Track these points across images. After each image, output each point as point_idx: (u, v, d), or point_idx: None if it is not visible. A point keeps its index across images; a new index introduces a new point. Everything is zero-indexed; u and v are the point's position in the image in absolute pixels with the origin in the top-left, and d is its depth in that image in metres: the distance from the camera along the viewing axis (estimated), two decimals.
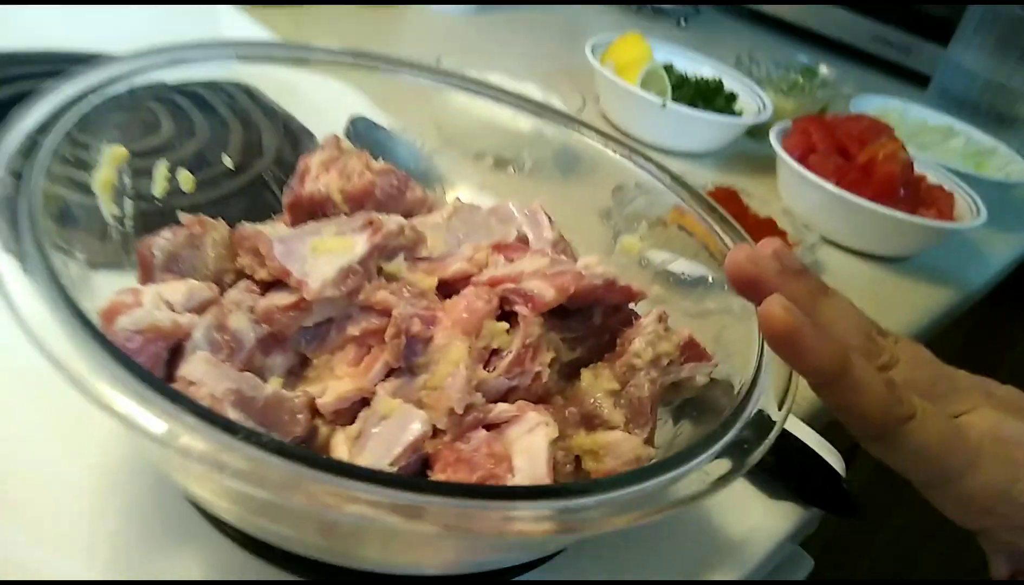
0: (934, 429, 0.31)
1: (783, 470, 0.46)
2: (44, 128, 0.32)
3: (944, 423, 0.31)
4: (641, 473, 0.26)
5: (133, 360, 0.23)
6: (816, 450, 0.47)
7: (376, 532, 0.26)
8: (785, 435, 0.47)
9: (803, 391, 0.57)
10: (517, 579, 0.36)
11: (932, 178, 0.83)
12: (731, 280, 0.32)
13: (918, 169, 0.82)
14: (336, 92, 0.52)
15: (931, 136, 1.00)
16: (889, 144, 0.78)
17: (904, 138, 0.82)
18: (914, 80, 1.34)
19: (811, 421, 0.53)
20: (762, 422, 0.33)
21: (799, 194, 0.79)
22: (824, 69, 1.09)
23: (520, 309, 0.35)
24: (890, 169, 0.75)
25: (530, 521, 0.23)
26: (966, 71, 1.11)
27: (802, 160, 0.79)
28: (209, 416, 0.22)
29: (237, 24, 0.84)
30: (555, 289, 0.35)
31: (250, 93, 0.55)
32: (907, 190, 0.77)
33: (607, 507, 0.24)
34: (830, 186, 0.75)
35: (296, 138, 0.56)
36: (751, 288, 0.32)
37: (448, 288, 0.37)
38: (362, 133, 0.55)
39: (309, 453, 0.24)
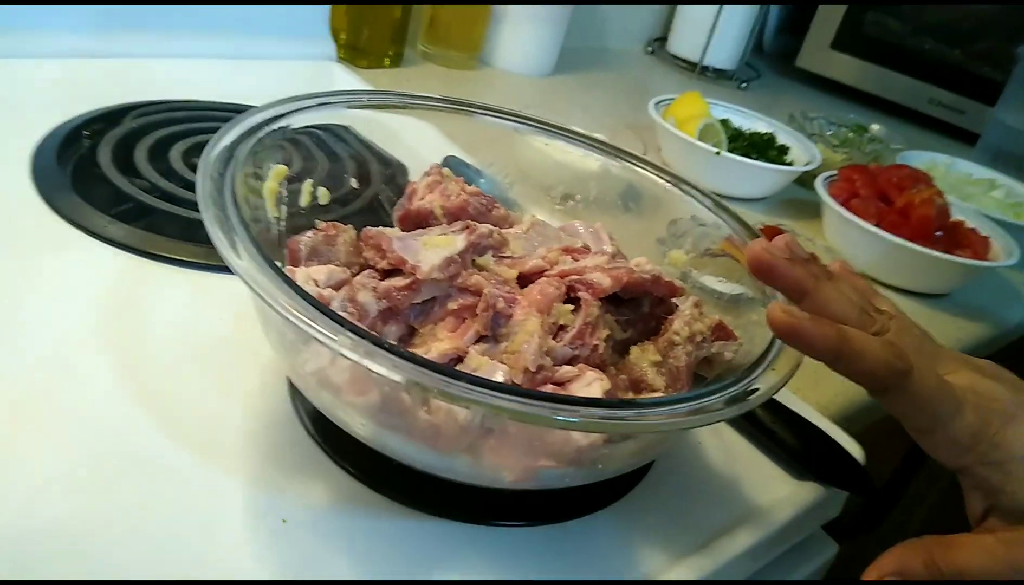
0: (929, 381, 0.37)
1: (807, 454, 0.53)
2: (232, 148, 0.43)
3: (935, 377, 0.37)
4: (668, 399, 0.35)
5: (310, 294, 0.33)
6: (838, 441, 0.55)
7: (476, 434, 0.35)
8: (810, 426, 0.55)
9: (829, 393, 0.64)
10: (581, 519, 0.45)
11: (969, 223, 0.90)
12: (750, 267, 0.40)
13: (956, 215, 0.89)
14: (428, 134, 0.63)
15: (974, 188, 1.07)
16: (926, 191, 0.85)
17: (947, 189, 0.89)
18: (965, 138, 1.40)
19: (832, 415, 0.60)
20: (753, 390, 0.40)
21: (841, 234, 0.86)
22: (875, 126, 1.17)
23: (583, 295, 0.44)
24: (926, 212, 0.83)
25: (599, 419, 0.32)
26: (1011, 129, 1.18)
27: (845, 204, 0.87)
28: (367, 334, 0.32)
29: (345, 79, 0.97)
30: (611, 279, 0.44)
31: (354, 134, 0.67)
32: (944, 232, 0.84)
33: (642, 418, 0.33)
34: (870, 226, 0.82)
35: (394, 172, 0.67)
36: (767, 273, 0.40)
37: (525, 280, 0.47)
38: (453, 168, 0.66)
39: (441, 365, 0.33)
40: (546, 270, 0.47)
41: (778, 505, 0.51)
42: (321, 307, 0.33)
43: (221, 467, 0.43)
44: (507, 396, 0.32)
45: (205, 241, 0.58)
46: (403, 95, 0.58)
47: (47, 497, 0.38)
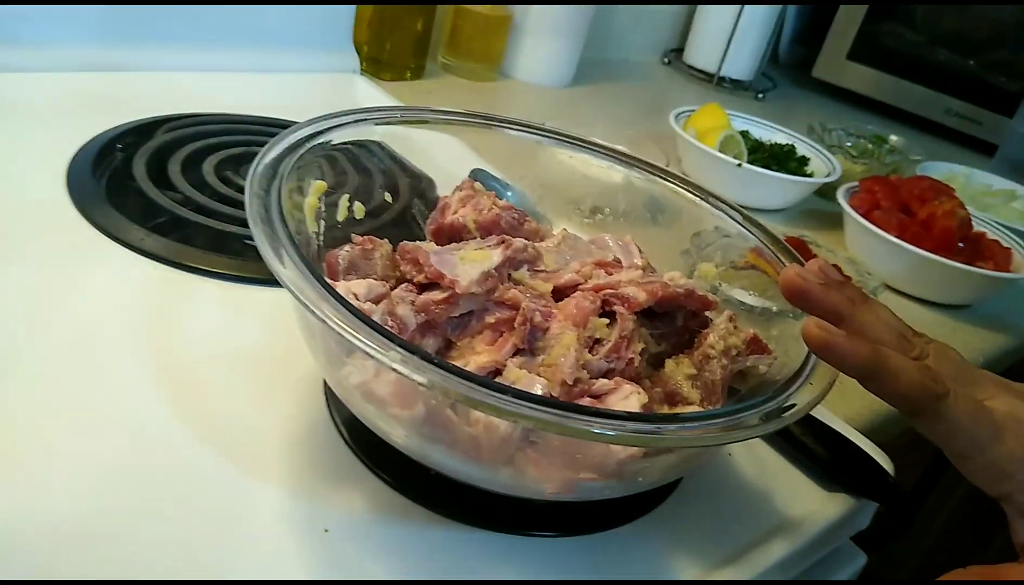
0: (964, 406, 0.37)
1: (837, 466, 0.54)
2: (275, 164, 0.44)
3: (973, 401, 0.37)
4: (706, 414, 0.36)
5: (360, 310, 0.34)
6: (868, 452, 0.55)
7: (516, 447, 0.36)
8: (840, 437, 0.55)
9: (856, 405, 0.65)
10: (614, 530, 0.45)
11: (991, 235, 0.90)
12: (784, 292, 0.40)
13: (978, 227, 0.89)
14: (455, 148, 0.64)
15: (994, 199, 1.07)
16: (948, 202, 0.86)
17: (967, 200, 0.90)
18: (983, 149, 1.40)
19: (859, 426, 0.60)
20: (789, 407, 0.41)
21: (864, 245, 0.87)
22: (894, 137, 1.17)
23: (618, 308, 0.45)
24: (948, 224, 0.83)
25: (638, 434, 0.33)
26: None
27: (867, 215, 0.87)
28: (417, 350, 0.33)
29: (370, 92, 0.98)
30: (646, 293, 0.45)
31: (384, 149, 0.68)
32: (965, 244, 0.85)
33: (681, 432, 0.34)
34: (893, 238, 0.83)
35: (423, 186, 0.68)
36: (802, 298, 0.40)
37: (559, 294, 0.48)
38: (481, 182, 0.67)
39: (487, 379, 0.34)
40: (580, 284, 0.47)
41: (809, 517, 0.51)
42: (371, 322, 0.34)
43: (261, 476, 0.43)
44: (550, 410, 0.32)
45: (237, 253, 0.60)
46: (430, 110, 0.59)
47: (87, 503, 0.39)
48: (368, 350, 0.32)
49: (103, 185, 0.65)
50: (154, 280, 0.56)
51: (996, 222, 0.93)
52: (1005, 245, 0.88)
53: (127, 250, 0.58)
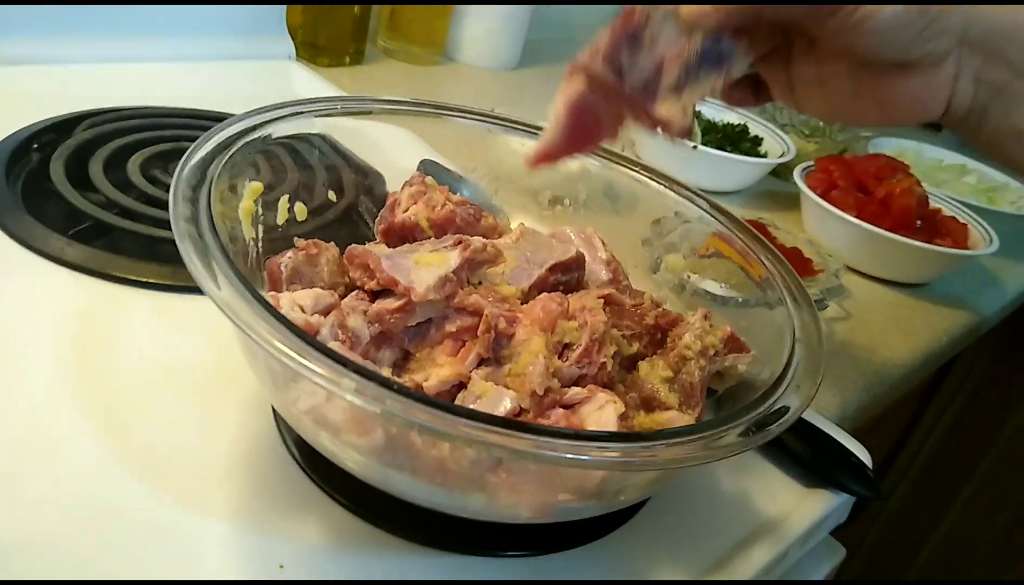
0: None
1: (816, 462, 0.52)
2: (204, 166, 0.40)
3: None
4: (689, 429, 0.33)
5: (306, 332, 0.30)
6: (847, 446, 0.53)
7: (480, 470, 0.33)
8: (818, 433, 0.53)
9: (833, 400, 0.63)
10: (590, 545, 0.42)
11: (947, 211, 0.89)
12: None
13: (933, 203, 0.88)
14: (403, 140, 0.60)
15: (946, 174, 1.07)
16: (905, 180, 0.85)
17: (920, 175, 0.89)
18: (930, 122, 1.41)
19: (846, 424, 0.59)
20: (782, 410, 0.38)
21: (822, 226, 0.85)
22: None
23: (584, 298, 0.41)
24: (906, 202, 0.82)
25: (607, 454, 0.30)
26: None
27: (824, 195, 0.86)
28: (375, 376, 0.29)
29: (306, 79, 0.93)
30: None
31: (327, 142, 0.63)
32: (923, 221, 0.84)
33: (661, 449, 0.31)
34: (852, 218, 0.81)
35: (371, 182, 0.63)
36: None
37: (524, 295, 0.44)
38: (431, 173, 0.63)
39: (455, 406, 0.30)
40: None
41: (790, 516, 0.49)
42: (319, 345, 0.30)
43: (207, 510, 0.39)
44: (526, 435, 0.29)
45: (169, 260, 0.55)
46: (374, 100, 0.55)
47: (12, 558, 0.35)
48: (318, 381, 0.28)
49: (18, 190, 0.59)
50: (78, 293, 0.51)
51: (951, 198, 0.92)
52: (962, 221, 0.87)
53: (47, 261, 0.53)
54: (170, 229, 0.55)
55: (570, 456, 0.28)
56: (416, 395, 0.29)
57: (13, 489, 0.38)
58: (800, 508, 0.50)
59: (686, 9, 0.40)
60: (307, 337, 0.30)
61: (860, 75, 0.43)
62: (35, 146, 0.64)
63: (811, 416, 0.55)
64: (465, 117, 0.59)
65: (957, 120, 0.44)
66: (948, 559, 1.39)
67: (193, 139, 0.41)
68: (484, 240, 0.44)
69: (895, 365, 0.72)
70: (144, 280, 0.53)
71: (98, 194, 0.59)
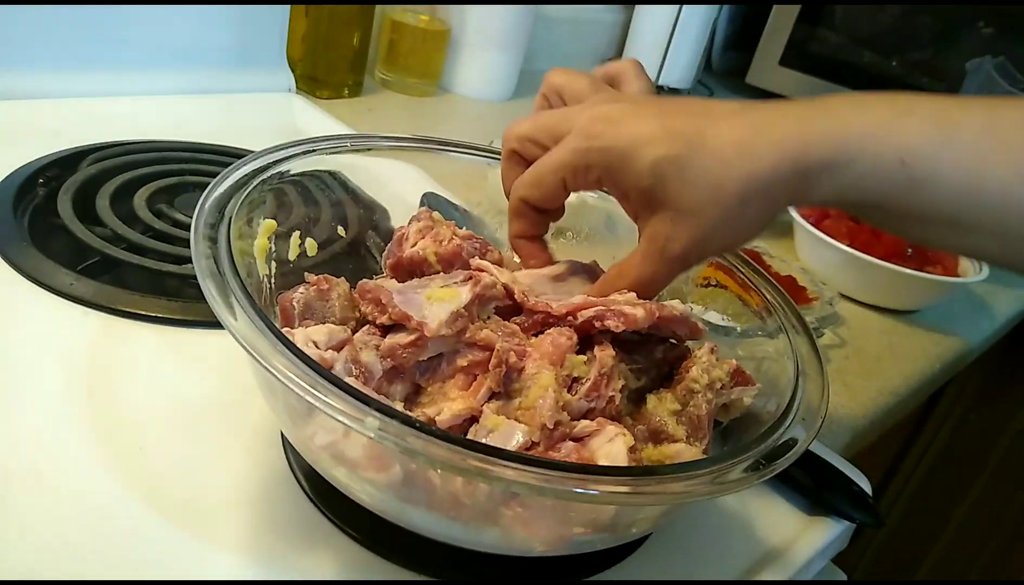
0: None
1: (818, 490, 0.53)
2: (223, 203, 0.41)
3: None
4: (698, 463, 0.34)
5: (327, 369, 0.31)
6: (847, 474, 0.54)
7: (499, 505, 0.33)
8: (819, 461, 0.54)
9: (832, 427, 0.64)
10: (595, 578, 0.43)
11: None
12: None
13: None
14: (406, 174, 0.61)
15: None
16: None
17: None
18: None
19: (840, 452, 0.60)
20: (793, 440, 0.39)
21: (816, 254, 0.87)
22: None
23: (611, 323, 0.41)
24: None
25: (618, 490, 0.30)
26: None
27: (817, 224, 0.87)
28: (397, 413, 0.30)
29: (306, 111, 0.94)
30: (644, 312, 0.42)
31: (334, 178, 0.64)
32: (914, 250, 0.85)
33: (670, 483, 0.32)
34: (844, 247, 0.83)
35: (376, 217, 0.64)
36: None
37: (533, 326, 0.45)
38: (434, 207, 0.64)
39: (470, 440, 0.31)
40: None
41: (793, 544, 0.50)
42: (341, 383, 0.31)
43: (217, 543, 0.40)
44: (548, 472, 0.30)
45: (177, 294, 0.56)
46: (379, 137, 0.56)
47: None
48: (341, 418, 0.29)
49: (25, 225, 0.60)
50: (86, 328, 0.52)
51: None
52: None
53: (54, 296, 0.53)
54: (176, 262, 0.57)
55: (592, 491, 0.29)
56: (439, 433, 0.30)
57: (22, 521, 0.38)
58: (803, 536, 0.51)
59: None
60: (329, 375, 0.31)
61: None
62: (41, 181, 0.65)
63: (812, 445, 0.56)
64: (467, 152, 0.60)
65: None
66: (943, 581, 1.40)
67: (198, 173, 0.43)
68: (495, 277, 0.45)
69: (890, 392, 0.73)
70: (152, 314, 0.53)
71: (105, 228, 0.60)
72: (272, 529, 0.42)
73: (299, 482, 0.44)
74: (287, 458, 0.45)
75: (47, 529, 0.38)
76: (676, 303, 0.44)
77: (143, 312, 0.53)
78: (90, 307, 0.53)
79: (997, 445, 1.31)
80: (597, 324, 0.42)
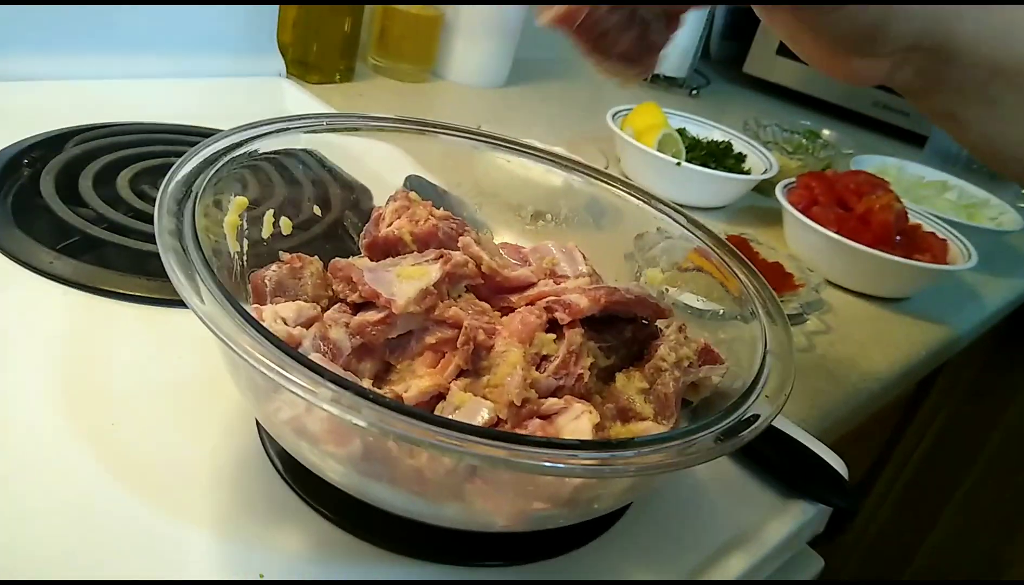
0: None
1: (792, 472, 0.53)
2: (189, 181, 0.41)
3: None
4: (661, 437, 0.34)
5: (285, 342, 0.31)
6: (823, 457, 0.54)
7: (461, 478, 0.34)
8: (795, 444, 0.54)
9: (812, 413, 0.64)
10: (569, 554, 0.43)
11: (926, 227, 0.91)
12: None
13: (913, 219, 0.90)
14: (390, 155, 0.61)
15: (926, 190, 1.09)
16: (884, 196, 0.86)
17: (901, 192, 0.90)
18: (912, 140, 1.43)
19: (823, 436, 0.60)
20: (753, 418, 0.39)
21: (803, 241, 0.87)
22: (826, 132, 1.18)
23: (559, 315, 0.43)
24: (885, 218, 0.83)
25: (584, 463, 0.30)
26: None
27: (805, 211, 0.87)
28: (351, 385, 0.30)
29: (297, 96, 0.94)
30: (588, 300, 0.43)
31: (314, 157, 0.64)
32: (902, 237, 0.85)
33: (637, 457, 0.32)
34: (832, 233, 0.82)
35: (357, 196, 0.64)
36: None
37: (504, 310, 0.45)
38: (416, 188, 0.64)
39: (429, 414, 0.31)
40: (532, 283, 0.45)
41: (767, 526, 0.50)
42: (296, 354, 0.31)
43: (191, 519, 0.40)
44: (499, 444, 0.30)
45: (158, 274, 0.56)
46: (360, 117, 0.56)
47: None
48: (295, 390, 0.29)
49: (8, 205, 0.60)
50: (66, 307, 0.52)
51: (931, 214, 0.94)
52: (941, 236, 0.89)
53: (35, 275, 0.53)
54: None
55: (546, 464, 0.29)
56: (392, 404, 0.30)
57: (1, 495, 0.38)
58: (777, 518, 0.51)
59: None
60: (286, 348, 0.31)
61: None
62: (25, 162, 0.65)
63: (788, 427, 0.56)
64: (450, 134, 0.60)
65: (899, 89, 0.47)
66: (934, 575, 1.40)
67: (182, 154, 0.42)
68: (465, 256, 0.45)
69: (874, 378, 0.73)
70: (132, 293, 0.54)
71: (88, 209, 0.60)
72: (245, 506, 0.42)
73: (272, 461, 0.44)
74: (260, 438, 0.46)
75: (23, 502, 0.38)
76: (633, 285, 0.44)
77: (122, 291, 0.54)
78: (70, 285, 0.53)
79: (990, 438, 1.31)
80: (547, 314, 0.42)
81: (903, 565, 1.43)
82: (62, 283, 0.53)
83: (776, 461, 0.52)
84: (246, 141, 0.47)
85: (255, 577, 0.38)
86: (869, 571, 1.40)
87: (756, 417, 0.37)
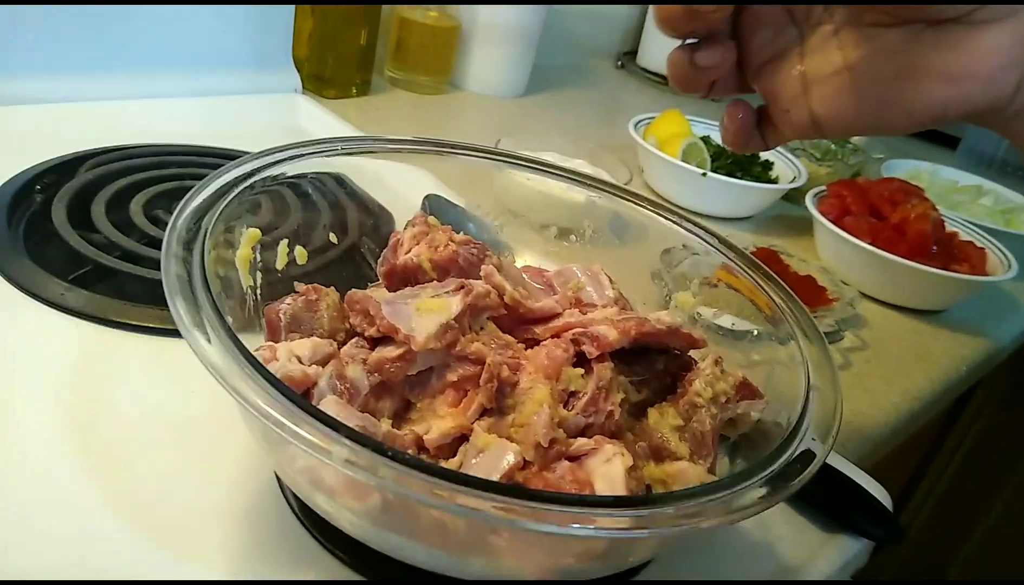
0: None
1: (836, 506, 0.50)
2: (201, 214, 0.39)
3: None
4: (703, 488, 0.31)
5: (303, 398, 0.29)
6: (865, 487, 0.52)
7: (483, 534, 0.31)
8: (836, 474, 0.52)
9: (851, 436, 0.61)
10: None
11: (963, 235, 0.88)
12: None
13: (949, 227, 0.86)
14: (410, 175, 0.59)
15: (961, 195, 1.05)
16: (920, 205, 0.83)
17: (935, 198, 0.87)
18: (944, 142, 1.39)
19: (860, 462, 0.57)
20: (806, 456, 0.37)
21: (836, 253, 0.84)
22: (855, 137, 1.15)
23: (587, 348, 0.40)
24: (922, 227, 0.80)
25: (613, 523, 0.28)
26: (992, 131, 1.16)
27: (837, 222, 0.84)
28: (368, 441, 0.28)
29: (313, 112, 0.92)
30: (618, 332, 0.40)
31: (336, 179, 0.63)
32: (939, 247, 0.82)
33: (673, 514, 0.29)
34: (866, 245, 0.80)
35: (376, 221, 0.63)
36: None
37: (528, 342, 0.43)
38: (436, 209, 0.62)
39: (444, 470, 0.29)
40: (558, 313, 0.43)
41: (809, 562, 0.47)
42: (308, 407, 0.29)
43: (204, 562, 0.38)
44: (528, 504, 0.28)
45: None
46: (375, 140, 0.55)
47: None
48: (307, 448, 0.27)
49: (20, 234, 0.58)
50: (77, 339, 0.50)
51: (967, 221, 0.90)
52: (979, 245, 0.86)
53: (46, 307, 0.52)
54: None
55: (576, 528, 0.27)
56: (412, 461, 0.28)
57: (7, 537, 0.37)
58: (819, 554, 0.48)
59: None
60: (298, 399, 0.29)
61: (910, 46, 0.36)
62: (38, 188, 0.64)
63: (829, 457, 0.54)
64: (469, 154, 0.58)
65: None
66: None
67: (198, 177, 0.41)
68: (487, 286, 0.43)
69: (914, 397, 0.70)
70: (145, 325, 0.52)
71: (100, 236, 0.58)
72: (260, 549, 0.40)
73: (289, 502, 0.43)
74: (277, 478, 0.44)
75: (30, 542, 0.37)
76: (663, 314, 0.42)
77: (135, 322, 0.52)
78: (81, 317, 0.52)
79: None
80: (574, 347, 0.40)
81: (937, 575, 1.40)
82: (73, 315, 0.52)
83: (817, 494, 0.50)
84: (258, 169, 0.45)
85: None
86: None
87: (805, 458, 0.34)
